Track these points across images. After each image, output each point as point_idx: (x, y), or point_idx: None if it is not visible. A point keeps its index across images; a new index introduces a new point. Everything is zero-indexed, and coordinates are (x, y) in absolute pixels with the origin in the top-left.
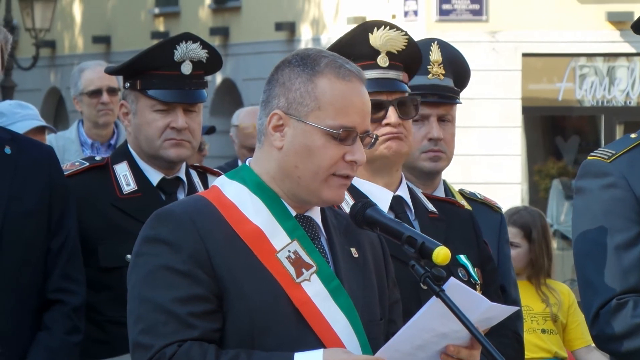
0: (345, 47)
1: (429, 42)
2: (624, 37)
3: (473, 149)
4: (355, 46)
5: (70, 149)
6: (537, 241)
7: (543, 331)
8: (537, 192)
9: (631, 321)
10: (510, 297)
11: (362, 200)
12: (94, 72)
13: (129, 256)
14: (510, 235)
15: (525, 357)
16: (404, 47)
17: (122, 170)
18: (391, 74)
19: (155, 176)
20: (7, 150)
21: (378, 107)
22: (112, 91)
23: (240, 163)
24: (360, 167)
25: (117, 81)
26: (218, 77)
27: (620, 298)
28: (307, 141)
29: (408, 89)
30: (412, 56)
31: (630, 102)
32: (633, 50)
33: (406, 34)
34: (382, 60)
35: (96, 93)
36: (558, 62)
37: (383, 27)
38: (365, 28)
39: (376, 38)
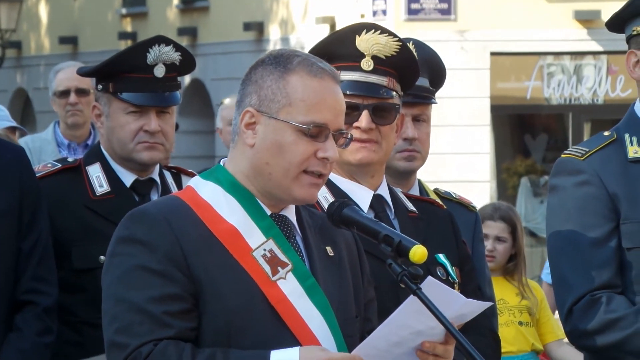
0: (331, 45)
1: (404, 42)
2: (591, 36)
3: (442, 147)
4: (341, 46)
5: (46, 149)
6: (520, 236)
7: (520, 323)
8: (506, 190)
9: (604, 317)
10: (485, 295)
11: (339, 200)
12: (65, 73)
13: (102, 257)
14: (498, 230)
15: (503, 350)
16: (394, 53)
17: (95, 172)
18: (373, 79)
19: (128, 177)
20: None
21: (352, 110)
22: (80, 92)
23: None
24: (339, 169)
25: (90, 82)
26: (187, 78)
27: (593, 294)
28: (278, 137)
29: (394, 95)
30: (405, 63)
31: (597, 100)
32: (600, 49)
33: (399, 40)
34: (366, 64)
35: (65, 94)
36: (526, 60)
37: (373, 30)
38: (353, 29)
39: (362, 41)
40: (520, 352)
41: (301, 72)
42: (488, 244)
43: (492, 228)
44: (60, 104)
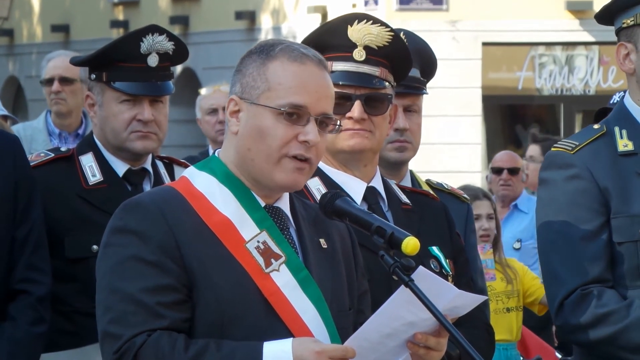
0: (323, 36)
1: (397, 32)
2: (582, 26)
3: (433, 137)
4: (333, 37)
5: (38, 138)
6: (496, 213)
7: (508, 310)
8: None
9: (595, 311)
10: (477, 286)
11: (331, 191)
12: (54, 62)
13: (95, 247)
14: (487, 207)
15: None
16: (386, 44)
17: (88, 161)
18: (365, 69)
19: (121, 167)
20: None
21: (345, 100)
22: (64, 81)
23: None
24: (332, 159)
25: (78, 71)
26: (178, 67)
27: (584, 288)
28: (258, 122)
29: (386, 85)
30: (397, 54)
31: (588, 91)
32: (592, 39)
33: (392, 30)
34: (358, 54)
35: (50, 82)
36: (518, 51)
37: (365, 20)
38: (346, 19)
39: (354, 31)
40: (502, 341)
41: (282, 57)
42: (484, 223)
43: (482, 207)
44: (46, 91)
